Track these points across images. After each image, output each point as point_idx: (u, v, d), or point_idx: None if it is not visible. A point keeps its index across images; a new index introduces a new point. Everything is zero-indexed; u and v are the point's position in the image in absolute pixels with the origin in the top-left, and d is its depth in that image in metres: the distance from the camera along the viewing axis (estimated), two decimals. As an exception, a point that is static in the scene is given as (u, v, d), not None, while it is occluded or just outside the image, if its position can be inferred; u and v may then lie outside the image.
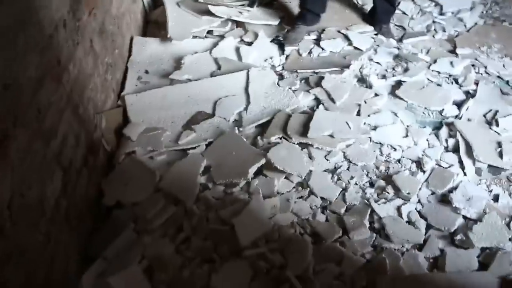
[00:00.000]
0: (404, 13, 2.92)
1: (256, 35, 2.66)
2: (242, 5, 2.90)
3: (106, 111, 2.14)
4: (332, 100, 2.17)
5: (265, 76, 2.34)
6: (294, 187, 1.81)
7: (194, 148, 1.99)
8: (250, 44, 2.63)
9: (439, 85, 2.29)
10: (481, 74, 2.39)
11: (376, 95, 2.23)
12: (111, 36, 2.34)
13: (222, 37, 2.73)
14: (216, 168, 1.86)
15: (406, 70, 2.39)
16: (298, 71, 2.42)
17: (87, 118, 1.85)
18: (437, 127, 2.07)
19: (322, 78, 2.32)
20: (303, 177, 1.83)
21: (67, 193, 1.58)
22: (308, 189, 1.80)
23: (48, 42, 1.61)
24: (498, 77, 2.36)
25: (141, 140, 2.00)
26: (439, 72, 2.39)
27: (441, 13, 2.91)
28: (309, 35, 2.67)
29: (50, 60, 1.62)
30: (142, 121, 2.12)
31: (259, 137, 2.02)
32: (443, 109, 2.13)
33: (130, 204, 1.73)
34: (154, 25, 3.00)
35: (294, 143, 1.96)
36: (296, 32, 2.65)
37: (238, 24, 2.82)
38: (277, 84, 2.32)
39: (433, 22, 2.83)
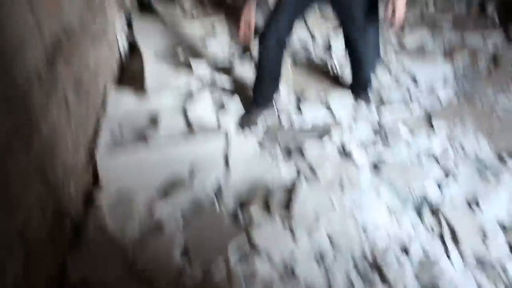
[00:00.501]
0: (380, 83, 2.97)
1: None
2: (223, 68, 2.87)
3: (75, 173, 1.97)
4: (314, 173, 2.11)
5: (246, 143, 2.26)
6: (276, 272, 1.70)
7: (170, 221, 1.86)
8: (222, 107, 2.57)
9: (419, 161, 2.29)
10: (458, 152, 2.42)
11: (358, 168, 2.20)
12: (87, 89, 2.20)
13: (199, 91, 2.65)
14: (193, 245, 1.73)
15: (386, 142, 2.39)
16: (279, 139, 2.36)
17: (55, 184, 1.69)
18: (419, 208, 2.04)
19: (303, 147, 2.28)
20: (286, 261, 1.72)
21: (28, 273, 1.40)
22: (293, 274, 1.69)
23: (20, 100, 1.47)
24: (476, 156, 2.39)
25: (112, 209, 1.84)
26: (418, 148, 2.40)
27: (416, 85, 2.98)
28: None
29: (20, 120, 1.47)
30: (114, 185, 1.97)
31: (239, 211, 1.92)
32: (425, 189, 2.12)
33: (98, 283, 1.56)
34: (130, 74, 2.89)
35: (276, 220, 1.87)
36: (251, 114, 2.52)
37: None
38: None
39: (409, 93, 2.88)
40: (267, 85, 2.47)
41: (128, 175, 2.03)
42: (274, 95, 2.55)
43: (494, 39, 3.50)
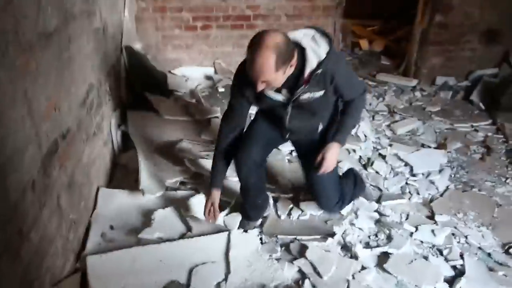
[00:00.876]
0: (377, 172, 2.96)
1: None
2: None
3: (63, 279, 1.85)
4: (319, 274, 2.01)
5: (248, 241, 2.17)
6: None
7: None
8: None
9: (425, 257, 2.21)
10: (463, 244, 2.35)
11: (363, 267, 2.10)
12: (79, 187, 2.15)
13: (195, 189, 2.61)
14: None
15: (389, 237, 2.32)
16: (278, 236, 2.29)
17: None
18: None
19: (304, 246, 2.19)
20: None
21: None
22: None
23: (12, 212, 1.41)
24: (479, 248, 2.33)
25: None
26: (422, 242, 2.33)
27: (413, 174, 2.97)
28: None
29: (10, 234, 1.40)
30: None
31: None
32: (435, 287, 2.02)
33: None
34: (122, 169, 2.85)
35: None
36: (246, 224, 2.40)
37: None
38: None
39: (406, 183, 2.86)
40: (252, 200, 2.33)
41: (120, 278, 1.91)
42: (265, 203, 2.43)
43: (483, 127, 3.59)
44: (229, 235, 2.17)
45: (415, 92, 4.20)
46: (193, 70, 4.27)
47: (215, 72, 4.30)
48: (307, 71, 1.83)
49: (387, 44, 5.34)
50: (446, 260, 2.22)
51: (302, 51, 1.82)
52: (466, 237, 2.39)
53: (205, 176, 2.66)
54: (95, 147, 2.47)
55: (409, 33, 4.55)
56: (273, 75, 1.71)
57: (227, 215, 2.40)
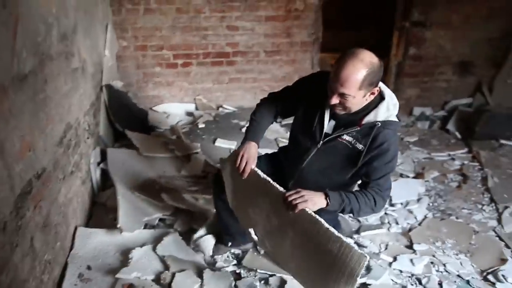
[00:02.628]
0: (356, 203, 2.99)
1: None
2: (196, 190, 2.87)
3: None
4: (298, 307, 2.01)
5: (220, 279, 2.17)
6: None
7: None
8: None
9: (404, 287, 2.22)
10: (441, 272, 2.38)
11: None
12: (55, 227, 2.14)
13: (173, 226, 2.61)
14: None
15: (368, 268, 2.33)
16: (258, 270, 2.28)
17: None
18: None
19: (283, 280, 2.19)
20: None
21: None
22: None
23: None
24: (458, 276, 2.35)
25: None
26: (401, 271, 2.35)
27: (391, 204, 3.01)
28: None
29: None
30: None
31: None
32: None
33: None
34: (101, 207, 2.84)
35: None
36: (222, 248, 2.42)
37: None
38: (235, 286, 2.14)
39: (385, 213, 2.90)
40: (229, 226, 2.31)
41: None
42: (242, 231, 2.29)
43: (459, 155, 3.67)
44: (202, 274, 2.16)
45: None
46: (174, 107, 4.33)
47: (196, 108, 4.36)
48: (369, 118, 1.81)
49: (365, 77, 5.46)
50: (424, 288, 2.24)
51: (380, 100, 1.84)
52: (444, 265, 2.42)
53: (184, 212, 2.68)
54: (73, 186, 2.47)
55: (385, 66, 4.69)
56: (354, 91, 1.69)
57: (200, 237, 2.41)
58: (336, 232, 1.60)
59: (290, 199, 1.70)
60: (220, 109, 4.39)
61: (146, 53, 4.15)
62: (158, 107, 4.32)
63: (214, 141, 3.67)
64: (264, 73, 4.42)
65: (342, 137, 1.86)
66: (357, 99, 1.73)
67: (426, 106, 4.46)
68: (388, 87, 1.94)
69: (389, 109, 1.83)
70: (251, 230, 2.02)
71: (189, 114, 4.29)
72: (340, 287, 1.62)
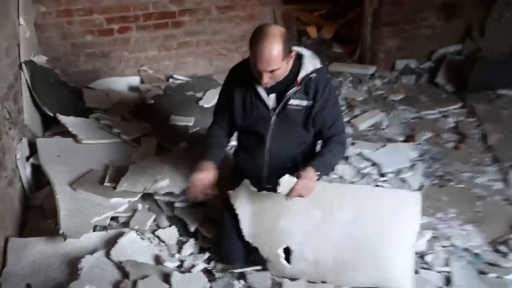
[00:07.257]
0: (341, 177, 2.98)
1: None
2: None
3: None
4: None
5: (191, 282, 2.13)
6: None
7: None
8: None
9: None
10: (447, 247, 2.40)
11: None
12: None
13: (128, 224, 2.53)
14: None
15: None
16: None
17: None
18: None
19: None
20: None
21: None
22: None
23: None
24: (466, 249, 2.38)
25: None
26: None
27: (381, 174, 3.02)
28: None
29: None
30: None
31: None
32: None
33: None
34: (37, 211, 2.72)
35: None
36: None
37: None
38: (210, 288, 2.12)
39: (376, 186, 2.89)
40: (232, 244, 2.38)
41: None
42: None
43: (453, 111, 3.71)
44: (170, 280, 2.13)
45: (374, 81, 4.30)
46: (114, 82, 4.16)
47: (141, 81, 4.22)
48: (302, 75, 2.15)
49: (337, 30, 5.44)
50: (431, 266, 2.27)
51: (299, 58, 2.18)
52: (449, 238, 2.44)
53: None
54: (-4, 189, 2.33)
55: (360, 15, 4.66)
56: (280, 64, 2.01)
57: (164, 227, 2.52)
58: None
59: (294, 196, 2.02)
60: (171, 80, 4.26)
61: (72, 19, 3.94)
62: (95, 84, 4.13)
63: (167, 119, 3.55)
64: (219, 34, 4.31)
65: (289, 103, 2.19)
66: (283, 68, 2.08)
67: (410, 58, 4.46)
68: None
69: (311, 60, 2.20)
70: (280, 252, 2.16)
71: (134, 89, 4.14)
72: (404, 239, 2.05)
